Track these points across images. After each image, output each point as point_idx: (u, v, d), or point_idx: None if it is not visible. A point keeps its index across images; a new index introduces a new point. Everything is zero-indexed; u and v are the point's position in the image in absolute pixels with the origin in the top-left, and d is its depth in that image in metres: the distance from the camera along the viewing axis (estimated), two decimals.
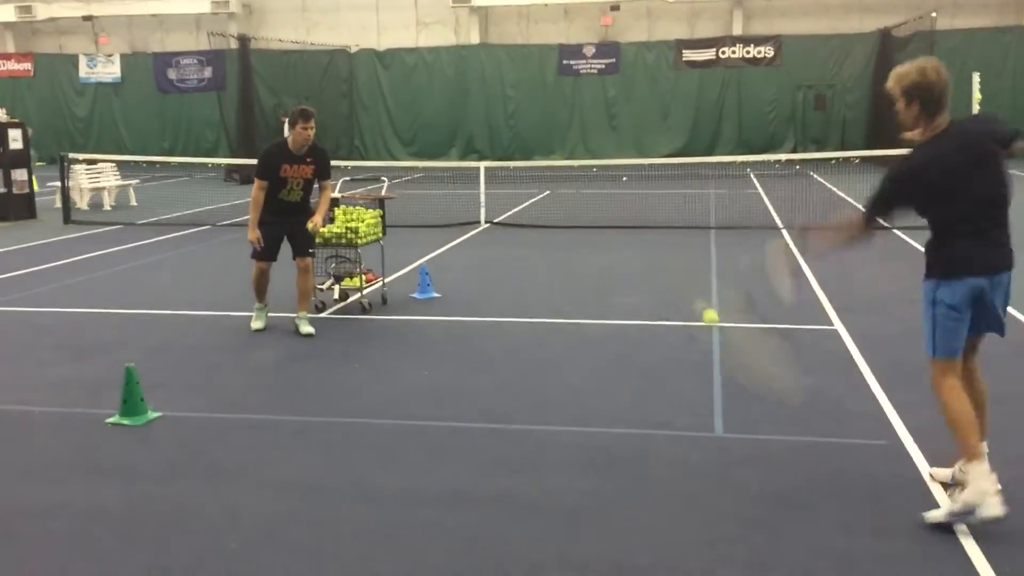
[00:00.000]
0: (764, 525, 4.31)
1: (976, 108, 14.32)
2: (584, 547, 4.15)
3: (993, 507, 4.09)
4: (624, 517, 4.45)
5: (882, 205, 4.49)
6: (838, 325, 8.10)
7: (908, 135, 4.50)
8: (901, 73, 4.39)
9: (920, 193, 4.36)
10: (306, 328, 8.03)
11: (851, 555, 4.01)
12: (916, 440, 5.31)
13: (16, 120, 18.42)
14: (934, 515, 4.25)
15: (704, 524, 4.35)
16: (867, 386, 6.38)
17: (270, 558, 4.09)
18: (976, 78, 14.49)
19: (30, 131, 26.20)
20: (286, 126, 8.66)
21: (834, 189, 19.94)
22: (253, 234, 8.01)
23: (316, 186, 8.21)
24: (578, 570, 3.95)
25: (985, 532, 4.14)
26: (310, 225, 8.00)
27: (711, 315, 7.83)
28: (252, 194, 8.11)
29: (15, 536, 4.38)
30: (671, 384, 6.56)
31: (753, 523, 4.34)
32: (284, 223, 8.08)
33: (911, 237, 13.05)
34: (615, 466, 5.11)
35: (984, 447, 4.34)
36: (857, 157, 25.25)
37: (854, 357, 7.10)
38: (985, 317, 4.38)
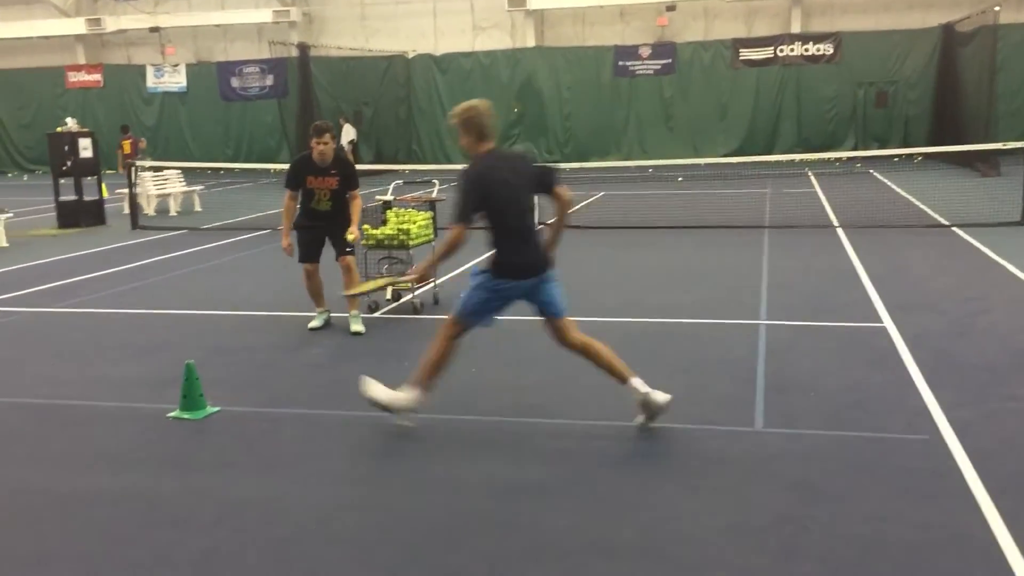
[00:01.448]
0: (796, 516, 4.38)
1: None
2: (617, 534, 4.27)
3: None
4: (658, 507, 4.56)
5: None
6: (888, 323, 8.06)
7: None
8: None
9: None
10: (356, 327, 8.27)
11: (879, 544, 4.06)
12: (958, 435, 5.31)
13: (86, 129, 19.07)
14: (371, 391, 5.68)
15: (737, 514, 4.43)
16: (912, 382, 6.37)
17: (318, 546, 4.28)
18: None
19: (142, 143, 27.06)
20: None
21: (895, 188, 19.65)
22: (285, 242, 8.41)
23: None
24: (610, 554, 4.07)
25: (1016, 518, 4.15)
26: (349, 236, 8.31)
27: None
28: (284, 204, 8.45)
29: (76, 521, 4.64)
30: (714, 380, 6.62)
31: (786, 514, 4.41)
32: (321, 227, 8.40)
33: (970, 235, 12.86)
34: (653, 458, 5.21)
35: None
36: (920, 154, 24.85)
37: (901, 354, 7.07)
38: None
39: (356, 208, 8.44)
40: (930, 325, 7.98)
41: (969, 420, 5.56)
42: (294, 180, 8.36)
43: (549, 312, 5.66)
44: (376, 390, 5.68)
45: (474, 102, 5.55)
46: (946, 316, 8.31)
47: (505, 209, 5.43)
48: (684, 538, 4.22)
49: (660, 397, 5.51)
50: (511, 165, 5.57)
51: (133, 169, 17.53)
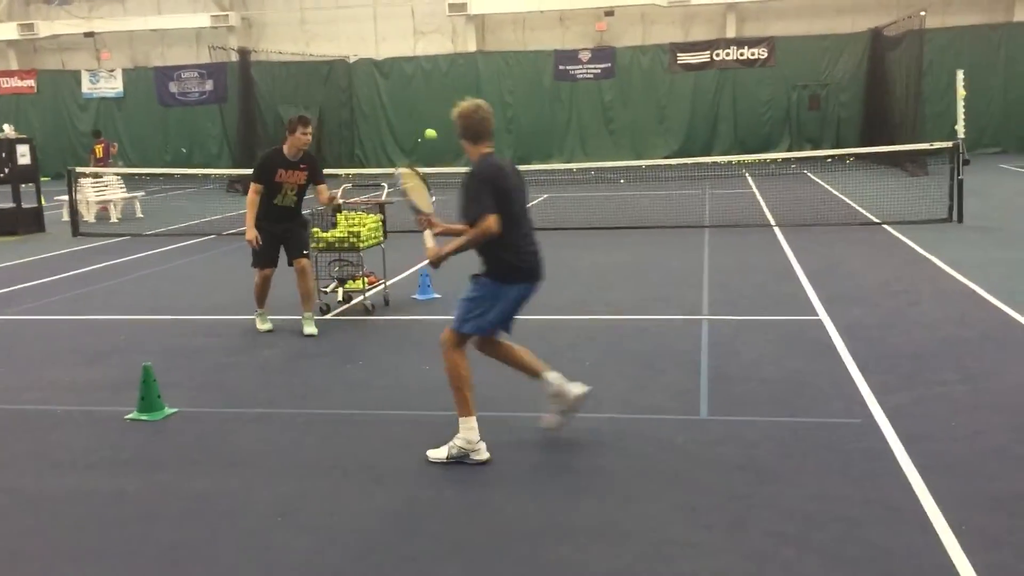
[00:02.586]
0: (741, 495, 4.64)
1: (961, 105, 14.61)
2: (574, 517, 4.49)
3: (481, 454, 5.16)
4: (612, 491, 4.79)
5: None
6: (823, 315, 8.42)
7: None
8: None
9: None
10: (309, 328, 8.37)
11: (818, 518, 4.34)
12: (889, 418, 5.63)
13: (24, 136, 18.77)
14: (434, 455, 5.21)
15: (686, 496, 4.68)
16: (846, 371, 6.70)
17: (282, 536, 4.42)
18: (960, 75, 14.77)
19: (114, 147, 26.32)
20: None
21: (828, 187, 20.25)
22: (251, 234, 8.31)
23: (309, 193, 8.63)
24: (566, 537, 4.28)
25: (943, 493, 4.47)
26: (328, 194, 8.56)
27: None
28: (248, 197, 8.43)
29: (45, 519, 4.71)
30: (661, 373, 6.88)
31: (731, 494, 4.67)
32: (279, 229, 8.44)
33: (899, 232, 13.38)
34: (605, 447, 5.44)
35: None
36: (851, 155, 25.58)
37: (836, 345, 7.42)
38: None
39: (326, 193, 8.64)
40: (862, 317, 8.35)
41: (899, 404, 5.90)
42: (264, 174, 8.36)
43: (506, 327, 5.45)
44: (438, 452, 5.25)
45: (479, 102, 5.37)
46: (877, 308, 8.70)
47: (519, 209, 5.30)
48: (636, 519, 4.45)
49: (578, 389, 5.44)
50: (511, 167, 5.46)
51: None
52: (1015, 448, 5.15)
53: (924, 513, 4.35)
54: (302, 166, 8.41)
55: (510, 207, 5.20)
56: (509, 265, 5.26)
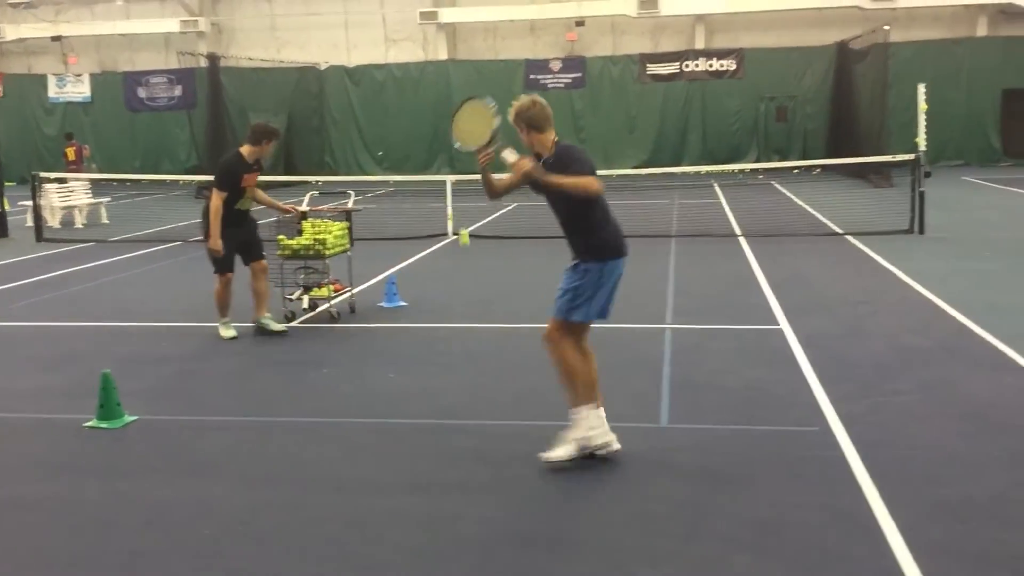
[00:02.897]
0: (696, 503, 4.70)
1: (922, 119, 14.83)
2: (530, 526, 4.52)
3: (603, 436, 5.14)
4: (568, 500, 4.82)
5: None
6: (784, 325, 8.52)
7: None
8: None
9: None
10: (276, 326, 8.40)
11: (772, 525, 4.41)
12: (845, 426, 5.72)
13: None
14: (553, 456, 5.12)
15: (644, 503, 4.73)
16: (805, 380, 6.79)
17: (240, 544, 4.42)
18: (922, 89, 15.00)
19: (86, 150, 26.06)
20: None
21: (794, 198, 20.47)
22: (216, 243, 8.28)
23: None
24: (525, 544, 4.32)
25: (894, 499, 4.55)
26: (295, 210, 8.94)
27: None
28: (213, 205, 8.27)
29: (1, 527, 4.67)
30: (623, 381, 6.91)
31: (687, 501, 4.72)
32: (238, 232, 8.48)
33: (862, 243, 13.56)
34: None
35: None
36: (818, 166, 25.90)
37: (795, 354, 7.51)
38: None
39: (267, 197, 8.93)
40: (823, 327, 8.47)
41: (855, 412, 5.99)
42: (230, 180, 8.36)
43: (601, 314, 5.37)
44: (559, 451, 5.15)
45: (536, 97, 5.42)
46: (838, 318, 8.82)
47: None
48: (593, 526, 4.50)
49: (612, 443, 5.25)
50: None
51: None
52: (965, 456, 5.26)
53: (875, 519, 4.43)
54: (255, 168, 8.58)
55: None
56: (605, 242, 5.26)
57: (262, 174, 8.65)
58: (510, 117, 5.37)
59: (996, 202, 19.52)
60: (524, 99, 5.39)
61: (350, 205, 10.22)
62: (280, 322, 8.81)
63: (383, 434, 5.91)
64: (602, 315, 5.38)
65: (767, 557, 4.10)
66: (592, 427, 5.17)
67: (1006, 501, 4.62)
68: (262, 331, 8.57)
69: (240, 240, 8.50)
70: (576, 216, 5.30)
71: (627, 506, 4.70)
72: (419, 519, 4.63)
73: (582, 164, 5.17)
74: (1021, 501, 4.62)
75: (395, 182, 27.74)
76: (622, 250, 5.32)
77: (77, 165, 23.50)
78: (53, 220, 18.81)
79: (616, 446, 5.22)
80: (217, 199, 8.31)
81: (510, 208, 20.20)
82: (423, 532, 4.48)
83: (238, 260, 8.56)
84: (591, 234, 5.28)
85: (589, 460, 5.23)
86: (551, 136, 5.35)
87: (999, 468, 5.07)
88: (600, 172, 19.67)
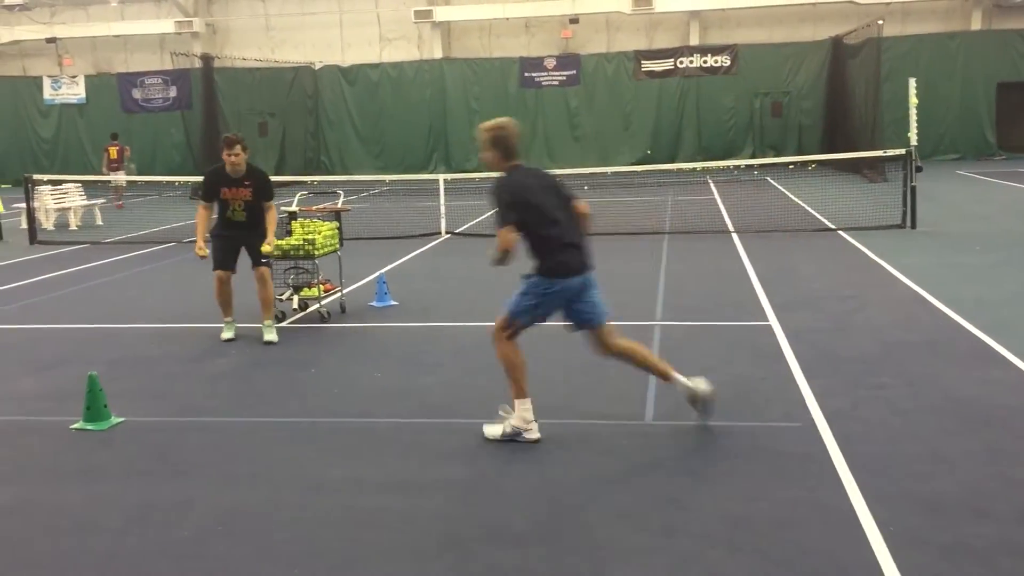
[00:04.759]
0: (677, 498, 4.71)
1: (913, 113, 14.86)
2: (515, 523, 4.53)
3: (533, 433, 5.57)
4: (552, 497, 4.84)
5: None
6: (772, 321, 8.53)
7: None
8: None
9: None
10: (269, 336, 8.38)
11: (749, 519, 4.42)
12: (828, 421, 5.73)
13: None
14: (490, 431, 5.63)
15: (623, 499, 4.75)
16: (791, 375, 6.81)
17: (222, 544, 4.43)
18: (912, 84, 15.02)
19: (127, 151, 25.98)
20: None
21: (789, 194, 20.48)
22: (199, 250, 8.36)
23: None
24: (506, 542, 4.33)
25: (873, 493, 4.57)
26: (265, 248, 8.38)
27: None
28: (197, 213, 8.50)
29: None
30: (609, 378, 6.93)
31: (667, 497, 4.74)
32: (237, 237, 8.48)
33: (854, 238, 13.58)
34: (549, 452, 5.49)
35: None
36: (813, 162, 25.91)
37: (783, 349, 7.53)
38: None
39: (271, 219, 8.53)
40: (811, 322, 8.48)
41: (839, 408, 6.00)
42: (208, 192, 8.43)
43: (590, 322, 5.74)
44: (494, 429, 5.66)
45: (504, 120, 5.71)
46: (826, 313, 8.84)
47: (542, 213, 5.58)
48: (574, 523, 4.51)
49: (703, 386, 5.71)
50: (535, 174, 5.84)
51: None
52: (945, 450, 5.27)
53: (854, 513, 4.44)
54: (246, 183, 8.39)
55: (532, 208, 5.55)
56: (555, 263, 5.62)
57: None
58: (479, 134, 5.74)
59: (989, 196, 19.54)
60: (496, 120, 5.73)
61: (339, 205, 10.23)
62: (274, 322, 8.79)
63: (367, 433, 5.92)
64: (590, 323, 5.77)
65: (741, 552, 4.12)
66: (526, 420, 5.59)
67: (982, 494, 4.64)
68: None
69: (240, 243, 8.51)
70: (528, 242, 5.66)
71: (609, 503, 4.72)
72: (398, 517, 4.64)
73: (500, 216, 5.52)
74: (997, 494, 4.63)
75: (390, 181, 27.77)
76: (571, 272, 5.65)
77: (119, 164, 23.63)
78: (47, 222, 18.81)
79: (537, 435, 5.60)
80: (200, 208, 8.49)
81: None
82: (402, 531, 4.49)
83: (242, 262, 8.55)
84: (541, 257, 5.65)
85: (556, 451, 5.45)
86: (510, 162, 5.67)
87: (978, 461, 5.08)
88: (595, 169, 19.77)
